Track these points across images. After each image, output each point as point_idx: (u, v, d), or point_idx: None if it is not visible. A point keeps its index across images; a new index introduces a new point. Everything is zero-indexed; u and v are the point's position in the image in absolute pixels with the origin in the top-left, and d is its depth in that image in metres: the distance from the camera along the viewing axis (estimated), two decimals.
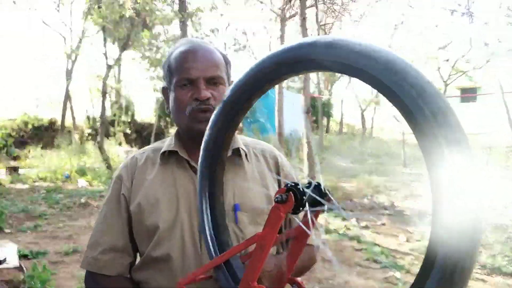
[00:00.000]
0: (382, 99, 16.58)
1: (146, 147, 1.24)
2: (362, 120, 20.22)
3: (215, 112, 0.78)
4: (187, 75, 1.07)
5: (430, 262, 0.47)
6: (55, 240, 5.00)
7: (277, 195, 0.64)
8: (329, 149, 16.32)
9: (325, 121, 21.58)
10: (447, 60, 10.19)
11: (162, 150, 1.13)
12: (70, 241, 4.94)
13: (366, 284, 3.93)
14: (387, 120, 18.72)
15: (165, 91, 1.19)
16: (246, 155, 1.15)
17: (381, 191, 8.90)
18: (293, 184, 0.64)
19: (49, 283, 3.37)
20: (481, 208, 0.46)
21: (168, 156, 1.13)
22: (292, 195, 0.62)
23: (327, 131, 21.83)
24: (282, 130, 9.76)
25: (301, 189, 0.63)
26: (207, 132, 0.79)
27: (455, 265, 0.45)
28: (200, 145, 1.06)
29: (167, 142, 1.17)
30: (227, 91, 0.75)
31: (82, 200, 6.98)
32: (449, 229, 0.45)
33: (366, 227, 5.92)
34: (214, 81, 1.09)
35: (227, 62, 1.16)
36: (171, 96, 1.12)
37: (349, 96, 20.32)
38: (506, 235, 5.13)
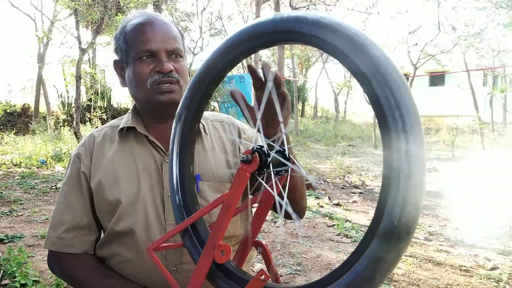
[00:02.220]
0: (354, 83, 16.85)
1: (104, 125, 1.20)
2: (335, 104, 20.49)
3: (193, 77, 0.77)
4: (147, 46, 1.04)
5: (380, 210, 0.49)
6: (31, 224, 4.89)
7: (243, 156, 0.64)
8: (304, 132, 16.56)
9: (300, 105, 21.77)
10: (416, 44, 10.46)
11: (120, 127, 1.11)
12: (47, 225, 4.69)
13: (337, 257, 4.12)
14: (359, 104, 19.03)
15: (117, 64, 1.14)
16: (204, 127, 1.15)
17: (353, 171, 9.18)
18: (258, 146, 0.65)
19: (25, 265, 3.27)
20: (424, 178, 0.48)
21: (126, 132, 1.11)
22: (257, 156, 0.64)
23: (302, 115, 22.05)
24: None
25: (265, 151, 0.64)
26: (182, 98, 0.80)
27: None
28: (159, 119, 1.11)
29: (125, 119, 1.14)
30: (207, 55, 0.74)
31: (59, 185, 6.88)
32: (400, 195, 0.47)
33: (338, 205, 6.14)
34: (174, 54, 1.07)
35: (182, 36, 1.13)
36: (129, 70, 1.08)
37: (323, 80, 20.54)
38: (469, 209, 5.44)
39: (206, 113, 1.22)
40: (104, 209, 1.07)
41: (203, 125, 1.14)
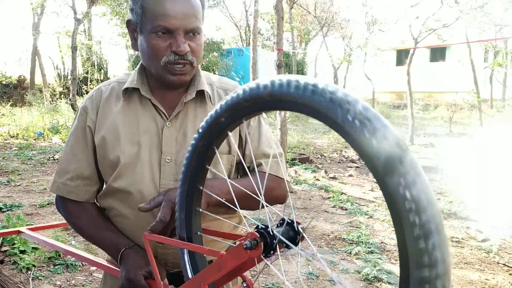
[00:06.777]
0: (354, 58, 16.72)
1: (112, 79, 1.19)
2: (334, 79, 20.32)
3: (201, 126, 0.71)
4: (165, 23, 0.98)
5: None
6: (29, 194, 4.96)
7: (246, 242, 0.60)
8: None
9: None
10: (417, 17, 10.29)
11: (124, 87, 1.09)
12: (45, 195, 4.90)
13: (332, 227, 4.20)
14: (359, 79, 18.91)
15: (131, 26, 1.08)
16: (210, 97, 1.12)
17: (350, 146, 9.23)
18: (264, 227, 0.60)
19: None
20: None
21: (131, 92, 1.10)
22: (262, 245, 0.59)
23: None
24: None
25: (271, 233, 0.60)
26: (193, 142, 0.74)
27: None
28: (167, 88, 1.09)
29: (130, 77, 1.12)
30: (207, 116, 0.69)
31: (56, 156, 6.91)
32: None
33: (334, 178, 6.19)
34: (192, 32, 1.01)
35: (203, 6, 1.07)
36: (143, 39, 1.03)
37: (323, 54, 20.32)
38: (463, 183, 5.50)
39: (214, 78, 1.19)
40: (105, 165, 1.10)
41: (209, 93, 1.12)
